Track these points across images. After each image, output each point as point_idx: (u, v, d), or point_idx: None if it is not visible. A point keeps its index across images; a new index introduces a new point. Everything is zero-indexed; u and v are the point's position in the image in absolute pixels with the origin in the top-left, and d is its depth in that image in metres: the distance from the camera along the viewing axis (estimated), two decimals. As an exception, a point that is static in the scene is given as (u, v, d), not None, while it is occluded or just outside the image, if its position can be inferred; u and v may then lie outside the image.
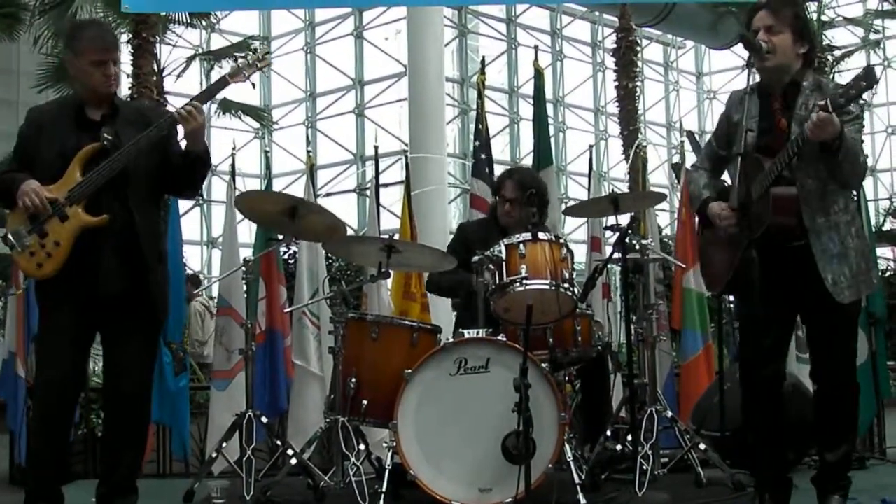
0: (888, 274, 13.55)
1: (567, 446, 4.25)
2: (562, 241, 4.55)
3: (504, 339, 4.27)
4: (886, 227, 16.42)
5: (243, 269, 5.40)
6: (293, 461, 4.85)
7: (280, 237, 5.54)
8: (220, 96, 4.48)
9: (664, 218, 17.73)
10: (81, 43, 4.03)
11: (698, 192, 4.07)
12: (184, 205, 7.58)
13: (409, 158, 7.81)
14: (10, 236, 3.90)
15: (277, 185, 17.98)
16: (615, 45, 15.27)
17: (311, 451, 5.05)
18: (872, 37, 18.03)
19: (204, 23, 13.75)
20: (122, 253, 3.96)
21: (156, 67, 11.95)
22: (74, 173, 3.91)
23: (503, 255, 4.42)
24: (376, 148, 6.92)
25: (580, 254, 6.11)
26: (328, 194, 19.33)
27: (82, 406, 5.87)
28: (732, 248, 3.83)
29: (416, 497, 4.22)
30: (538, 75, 7.05)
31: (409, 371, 4.19)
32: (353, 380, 4.44)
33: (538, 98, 7.05)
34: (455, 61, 20.01)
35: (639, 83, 15.60)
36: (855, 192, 3.91)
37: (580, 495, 4.14)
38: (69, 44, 4.14)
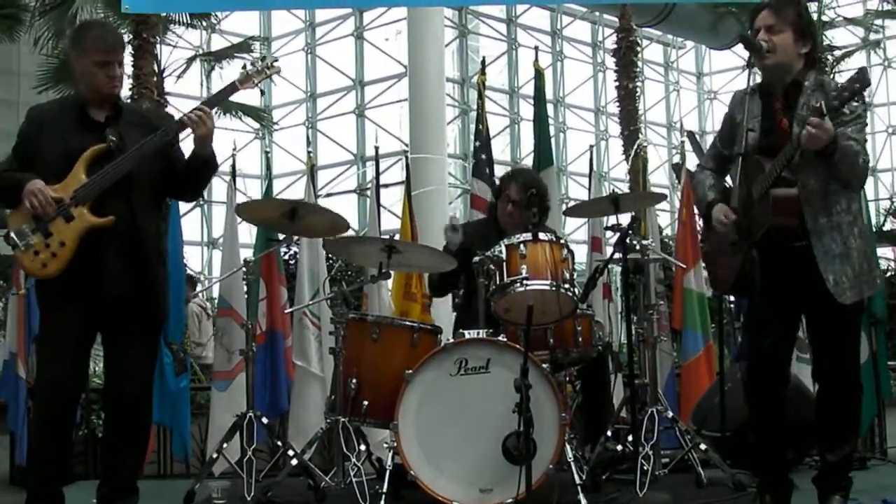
0: (889, 274, 13.54)
1: (568, 447, 4.25)
2: (562, 241, 4.55)
3: (505, 339, 4.27)
4: (887, 227, 16.40)
5: (244, 269, 5.40)
6: (294, 462, 4.85)
7: (280, 238, 5.54)
8: (213, 93, 4.47)
9: (665, 218, 17.75)
10: (86, 43, 4.03)
11: (703, 195, 4.07)
12: (184, 205, 7.56)
13: (410, 159, 7.81)
14: (12, 235, 3.88)
15: (278, 186, 17.99)
16: (615, 46, 15.28)
17: (312, 452, 5.06)
18: (873, 37, 18.02)
19: (204, 23, 13.74)
20: (126, 254, 3.97)
21: (156, 68, 11.96)
22: (79, 174, 3.91)
23: (504, 256, 4.43)
24: (377, 148, 6.92)
25: (581, 254, 6.10)
26: (329, 195, 19.34)
27: (83, 407, 5.87)
28: (737, 250, 3.83)
29: (417, 497, 4.22)
30: (538, 76, 7.05)
31: (410, 371, 4.19)
32: (354, 380, 4.44)
33: (538, 98, 7.05)
34: (455, 62, 20.01)
35: (639, 83, 15.60)
36: (856, 193, 3.88)
37: (581, 496, 4.14)
38: (74, 43, 4.14)
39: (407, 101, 16.30)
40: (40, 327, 4.19)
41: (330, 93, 20.86)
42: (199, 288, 13.21)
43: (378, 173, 6.77)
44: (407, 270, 5.98)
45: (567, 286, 4.38)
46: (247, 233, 7.08)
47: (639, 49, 15.62)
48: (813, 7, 13.66)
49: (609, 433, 4.93)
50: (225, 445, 5.07)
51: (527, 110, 19.17)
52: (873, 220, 13.40)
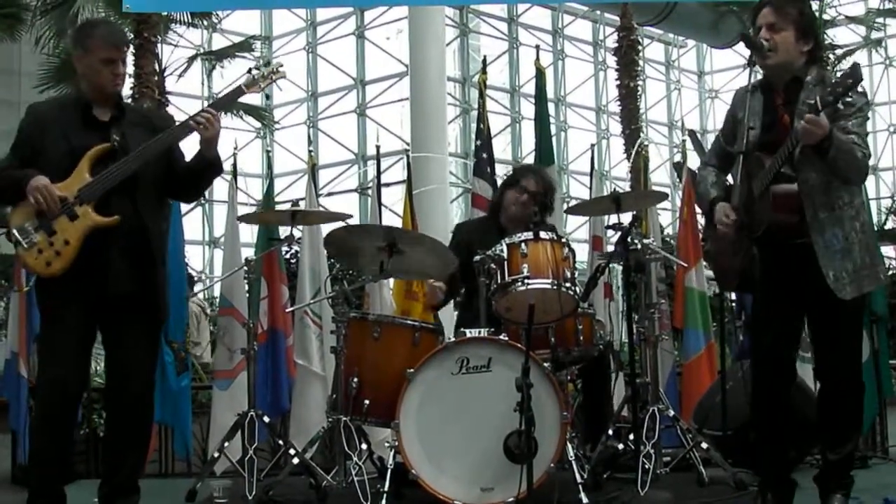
0: (890, 272, 13.52)
1: (569, 445, 4.26)
2: (563, 240, 4.55)
3: (506, 338, 4.28)
4: (888, 225, 16.39)
5: (245, 268, 5.41)
6: (295, 461, 4.85)
7: (282, 237, 5.54)
8: (220, 95, 4.48)
9: (666, 217, 17.73)
10: (92, 40, 4.03)
11: (705, 191, 4.06)
12: (186, 205, 7.57)
13: (411, 158, 7.82)
14: (15, 232, 3.86)
15: (279, 185, 18.01)
16: (616, 45, 15.26)
17: (314, 451, 5.06)
18: (874, 35, 18.00)
19: (205, 22, 13.75)
20: (131, 254, 3.97)
21: (157, 67, 11.96)
22: (83, 173, 3.90)
23: (505, 255, 4.43)
24: (378, 147, 6.92)
25: (582, 253, 6.11)
26: (330, 194, 19.35)
27: (84, 406, 5.87)
28: (739, 247, 3.83)
29: (418, 496, 4.22)
30: (539, 74, 7.06)
31: (411, 370, 4.19)
32: (355, 379, 4.44)
33: (540, 97, 7.05)
34: (456, 61, 19.99)
35: (640, 82, 15.59)
36: (858, 187, 3.87)
37: (582, 494, 4.15)
38: (78, 41, 4.12)
39: (408, 100, 16.38)
40: (42, 326, 4.18)
41: (331, 92, 20.85)
42: (198, 287, 13.21)
43: (379, 172, 6.77)
44: (407, 278, 5.97)
45: (568, 285, 4.38)
46: (248, 232, 7.09)
47: (640, 48, 15.60)
48: (814, 6, 13.67)
49: (610, 432, 4.94)
50: (226, 444, 5.08)
51: (528, 109, 19.14)
52: (875, 219, 13.40)
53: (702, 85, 25.61)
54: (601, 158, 21.34)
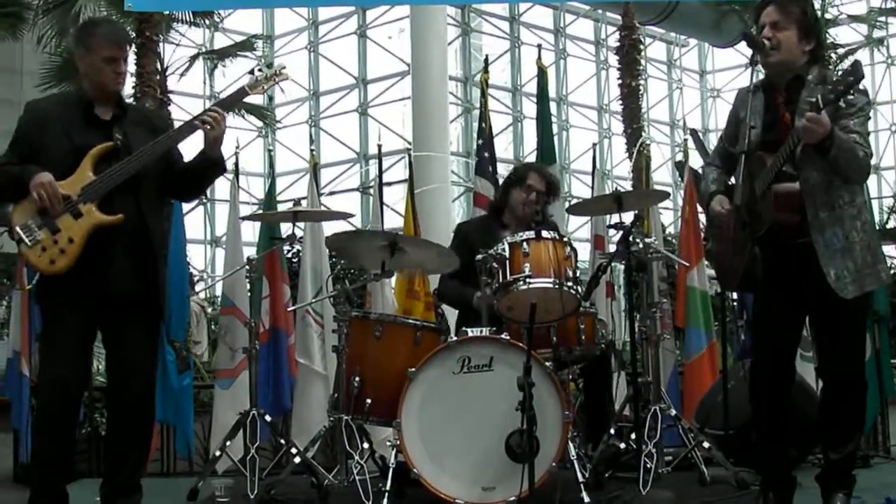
0: (892, 272, 13.50)
1: (571, 444, 4.26)
2: (565, 239, 4.55)
3: (507, 337, 4.28)
4: (890, 224, 16.37)
5: (247, 267, 5.40)
6: (297, 460, 4.85)
7: (283, 236, 5.55)
8: (222, 95, 4.48)
9: (668, 216, 17.72)
10: (95, 39, 4.03)
11: (705, 188, 4.07)
12: (187, 204, 7.58)
13: (413, 157, 7.81)
14: (18, 230, 3.85)
15: (281, 184, 18.03)
16: (618, 44, 15.24)
17: (315, 450, 5.06)
18: (876, 34, 17.98)
19: (207, 21, 13.73)
20: (133, 252, 3.98)
21: (159, 66, 11.95)
22: (86, 171, 3.91)
23: (506, 254, 4.43)
24: (380, 146, 6.92)
25: (584, 252, 6.11)
26: (331, 193, 19.36)
27: (86, 405, 5.87)
28: (742, 247, 3.83)
29: (420, 495, 4.23)
30: (541, 73, 7.05)
31: (413, 370, 4.19)
32: (357, 378, 4.44)
33: (541, 96, 7.05)
34: (458, 60, 19.99)
35: (642, 81, 15.57)
36: (859, 186, 3.87)
37: (584, 494, 4.15)
38: (81, 40, 4.12)
39: (410, 100, 16.39)
40: (42, 325, 4.17)
41: (333, 91, 20.87)
42: (199, 287, 13.21)
43: (381, 171, 6.77)
44: (410, 268, 5.97)
45: (570, 284, 4.38)
46: (250, 231, 7.09)
47: (642, 47, 15.59)
48: (816, 4, 13.67)
49: (612, 431, 4.94)
50: (228, 443, 5.09)
51: (530, 108, 19.15)
52: (876, 218, 13.39)
53: (703, 84, 25.62)
54: (603, 157, 21.34)
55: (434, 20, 15.49)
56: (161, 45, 11.98)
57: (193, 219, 18.78)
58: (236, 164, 6.43)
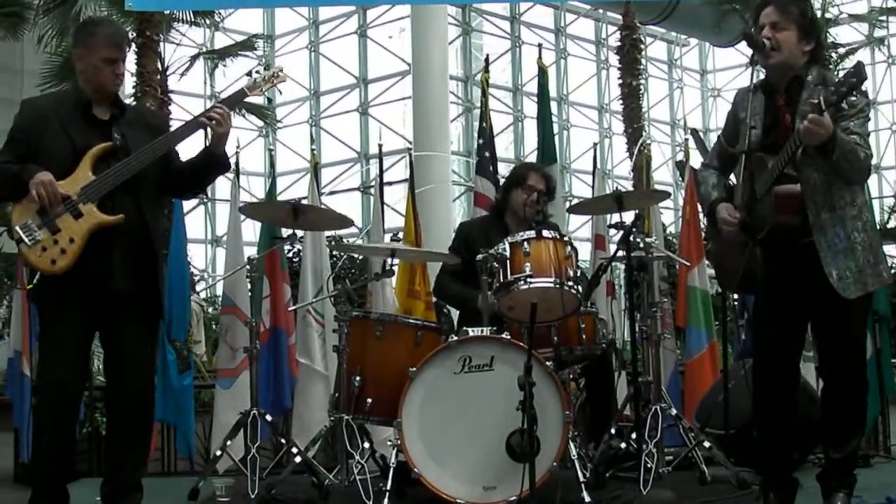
0: (893, 271, 13.49)
1: (571, 444, 4.26)
2: (566, 238, 4.55)
3: (508, 337, 4.28)
4: (891, 224, 16.36)
5: (247, 267, 5.40)
6: (297, 459, 4.85)
7: (284, 235, 5.55)
8: (222, 95, 4.49)
9: (668, 216, 17.71)
10: (95, 39, 4.03)
11: (706, 193, 4.06)
12: (188, 203, 7.59)
13: (413, 156, 7.79)
14: (17, 229, 3.84)
15: (281, 184, 18.04)
16: (619, 43, 15.25)
17: (316, 450, 5.06)
18: (877, 33, 17.97)
19: (208, 21, 13.73)
20: (133, 252, 3.98)
21: (159, 66, 11.95)
22: (85, 171, 3.90)
23: (507, 253, 4.43)
24: (380, 146, 6.93)
25: (584, 252, 6.11)
26: (332, 192, 19.35)
27: (87, 405, 5.87)
28: (742, 247, 3.83)
29: (421, 495, 4.23)
30: (542, 73, 7.05)
31: (414, 369, 4.19)
32: (358, 378, 4.44)
33: (542, 96, 7.05)
34: (459, 59, 19.99)
35: (643, 81, 15.58)
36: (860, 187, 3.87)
37: (584, 493, 4.15)
38: (81, 39, 4.12)
39: (410, 99, 16.39)
40: (41, 325, 4.15)
41: (333, 90, 20.87)
42: (200, 287, 13.21)
43: (382, 171, 6.78)
44: (413, 261, 5.98)
45: (571, 284, 4.39)
46: (250, 230, 7.10)
47: (642, 46, 15.59)
48: (817, 4, 13.67)
49: (613, 431, 4.94)
50: (229, 443, 5.08)
51: (530, 108, 19.16)
52: (877, 218, 13.38)
53: (704, 83, 25.61)
54: (603, 157, 21.34)
55: (435, 20, 15.49)
56: (162, 44, 11.99)
57: (194, 218, 18.80)
58: (237, 164, 6.42)
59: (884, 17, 17.16)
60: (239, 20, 17.66)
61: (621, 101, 15.07)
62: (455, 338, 4.31)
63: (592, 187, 7.07)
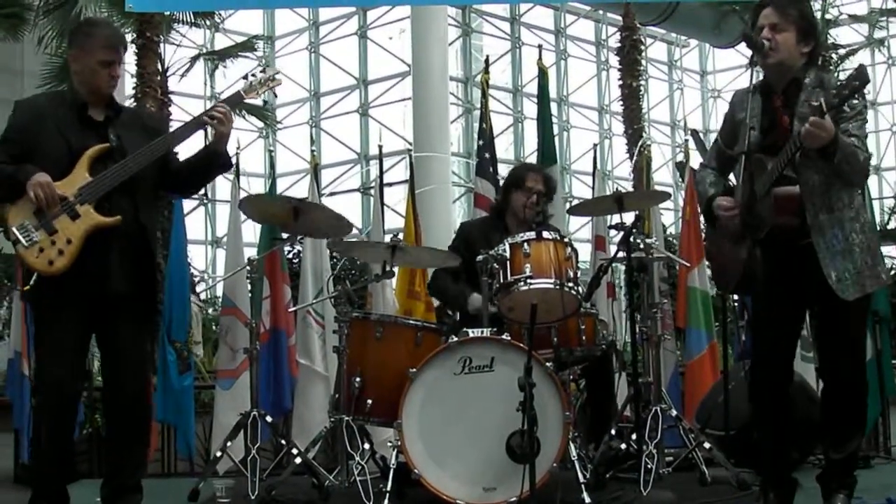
0: (893, 272, 13.48)
1: (572, 445, 4.26)
2: (566, 239, 4.55)
3: (508, 338, 4.28)
4: (891, 225, 16.36)
5: (247, 268, 5.39)
6: (298, 460, 4.85)
7: (284, 236, 5.56)
8: (223, 96, 4.49)
9: (668, 217, 17.69)
10: (92, 40, 4.03)
11: (704, 192, 4.07)
12: (188, 204, 7.60)
13: (413, 157, 7.80)
14: (14, 230, 3.83)
15: (281, 185, 18.01)
16: (619, 44, 15.22)
17: (316, 451, 5.07)
18: (877, 35, 17.97)
19: (208, 22, 13.72)
20: (130, 253, 3.98)
21: (160, 67, 11.94)
22: (82, 172, 3.90)
23: (507, 254, 4.43)
24: (380, 147, 6.93)
25: (584, 253, 6.11)
26: (332, 193, 19.35)
27: (87, 406, 5.88)
28: (740, 248, 3.83)
29: (421, 496, 4.23)
30: (542, 74, 7.06)
31: (414, 370, 4.19)
32: (358, 379, 4.44)
33: (542, 97, 7.05)
34: (459, 60, 19.98)
35: (643, 82, 15.53)
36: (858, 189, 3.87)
37: (585, 494, 4.15)
38: (77, 41, 4.11)
39: (410, 100, 16.40)
40: (38, 326, 4.11)
41: (333, 91, 20.86)
42: (200, 288, 13.21)
43: (382, 172, 6.78)
44: (411, 266, 5.98)
45: (571, 285, 4.39)
46: (251, 231, 7.09)
47: (642, 47, 15.57)
48: (817, 5, 13.66)
49: (613, 431, 4.94)
50: (229, 444, 5.09)
51: (530, 109, 19.16)
52: (877, 219, 13.37)
53: (704, 84, 25.60)
54: (604, 158, 21.33)
55: (435, 21, 15.50)
56: (162, 45, 11.98)
57: (194, 219, 18.79)
58: (237, 165, 6.43)
59: (884, 18, 17.15)
60: (239, 21, 17.67)
61: (621, 102, 15.04)
62: (455, 339, 4.31)
63: (592, 188, 7.07)
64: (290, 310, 6.10)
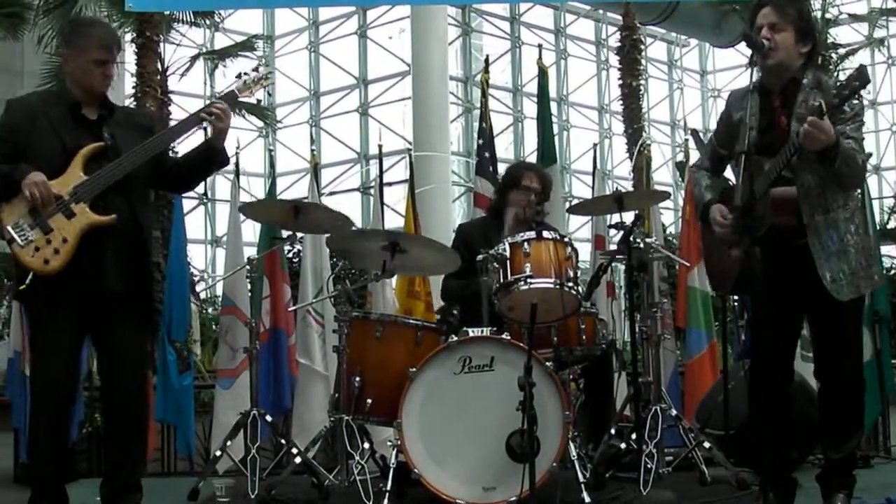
0: (893, 272, 13.48)
1: (571, 445, 4.26)
2: (566, 239, 4.55)
3: (508, 337, 4.28)
4: (891, 225, 16.34)
5: (247, 267, 5.39)
6: (297, 460, 4.86)
7: (284, 236, 5.56)
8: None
9: (668, 216, 17.69)
10: (87, 40, 4.02)
11: (700, 195, 4.08)
12: (188, 204, 7.59)
13: (413, 157, 7.81)
14: (9, 229, 3.81)
15: (281, 184, 18.01)
16: (619, 44, 15.21)
17: (316, 450, 5.07)
18: (877, 34, 17.95)
19: (208, 22, 13.71)
20: (126, 251, 3.98)
21: (160, 66, 11.94)
22: (77, 171, 3.90)
23: (507, 254, 4.43)
24: (380, 146, 6.92)
25: (584, 252, 6.11)
26: (332, 193, 19.35)
27: (87, 405, 5.87)
28: (735, 248, 3.83)
29: (421, 495, 4.23)
30: (542, 74, 7.06)
31: (414, 370, 4.19)
32: (358, 378, 4.44)
33: (542, 96, 7.05)
34: (459, 60, 19.98)
35: (643, 81, 15.53)
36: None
37: (584, 494, 4.15)
38: (71, 40, 4.10)
39: (410, 100, 16.39)
40: (33, 325, 4.11)
41: (333, 91, 20.86)
42: (199, 287, 13.21)
43: (381, 171, 6.77)
44: (410, 274, 5.97)
45: (571, 284, 4.39)
46: (250, 231, 7.09)
47: (642, 47, 15.56)
48: (817, 4, 13.65)
49: (613, 431, 4.95)
50: (229, 443, 5.09)
51: (530, 108, 19.15)
52: (877, 219, 13.36)
53: (704, 84, 25.61)
54: (603, 158, 21.33)
55: (435, 20, 15.50)
56: (162, 45, 11.97)
57: (194, 219, 18.78)
58: (237, 164, 6.43)
59: (884, 18, 17.14)
60: (239, 21, 17.66)
61: (621, 102, 15.04)
62: (455, 338, 4.31)
63: (592, 188, 7.07)
64: (289, 309, 6.09)
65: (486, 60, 8.25)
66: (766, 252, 3.76)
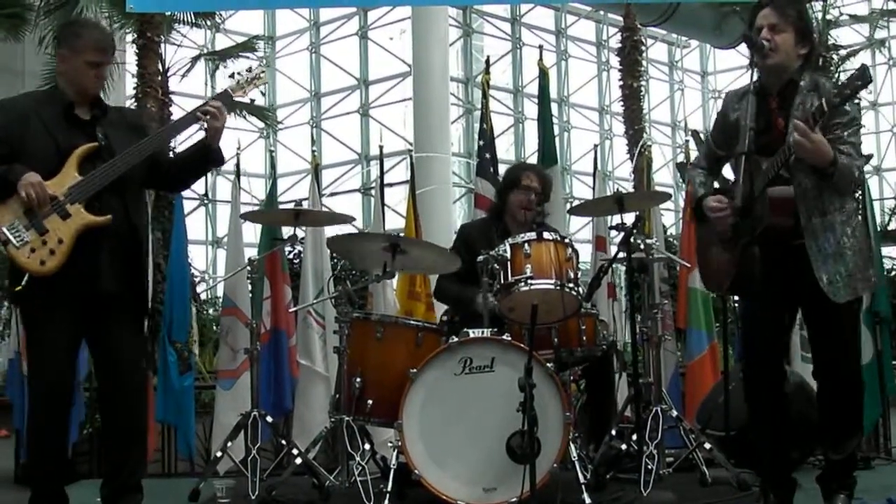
0: (893, 273, 13.46)
1: (572, 446, 4.26)
2: (567, 240, 4.55)
3: (509, 338, 4.28)
4: (892, 226, 16.33)
5: (248, 268, 5.39)
6: (298, 461, 4.85)
7: (285, 237, 5.57)
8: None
9: (669, 217, 17.65)
10: (82, 41, 4.02)
11: (694, 191, 4.09)
12: (189, 205, 7.59)
13: (414, 158, 7.81)
14: (4, 230, 3.79)
15: (282, 185, 18.02)
16: (620, 45, 15.21)
17: (316, 451, 5.07)
18: (878, 35, 17.95)
19: (209, 22, 13.72)
20: (120, 253, 3.98)
21: (160, 67, 11.95)
22: (71, 171, 3.89)
23: (508, 255, 4.43)
24: (381, 147, 6.93)
25: (585, 253, 6.11)
26: (333, 194, 19.36)
27: (87, 405, 5.87)
28: (731, 248, 3.84)
29: (421, 496, 4.23)
30: (543, 75, 7.06)
31: (414, 370, 4.19)
32: (358, 379, 4.44)
33: (543, 97, 7.05)
34: (459, 61, 19.98)
35: (643, 82, 15.53)
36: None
37: (585, 495, 4.15)
38: (66, 41, 4.08)
39: (411, 101, 16.40)
40: (29, 326, 4.09)
41: (334, 92, 20.85)
42: (200, 288, 13.21)
43: (382, 172, 6.78)
44: (412, 272, 5.98)
45: (571, 285, 4.39)
46: (251, 232, 7.10)
47: (643, 48, 15.56)
48: (817, 6, 13.63)
49: (613, 432, 4.94)
50: (229, 444, 5.09)
51: (531, 109, 19.16)
52: (878, 220, 13.34)
53: (705, 85, 25.60)
54: (604, 159, 21.34)
55: (435, 21, 15.50)
56: (162, 46, 11.98)
57: (195, 220, 18.77)
58: (238, 165, 6.44)
59: (884, 19, 17.14)
60: (240, 21, 17.67)
61: (622, 103, 15.04)
62: (456, 339, 4.31)
63: (593, 189, 7.07)
64: (290, 310, 6.09)
65: (487, 61, 8.26)
66: (764, 251, 3.76)
